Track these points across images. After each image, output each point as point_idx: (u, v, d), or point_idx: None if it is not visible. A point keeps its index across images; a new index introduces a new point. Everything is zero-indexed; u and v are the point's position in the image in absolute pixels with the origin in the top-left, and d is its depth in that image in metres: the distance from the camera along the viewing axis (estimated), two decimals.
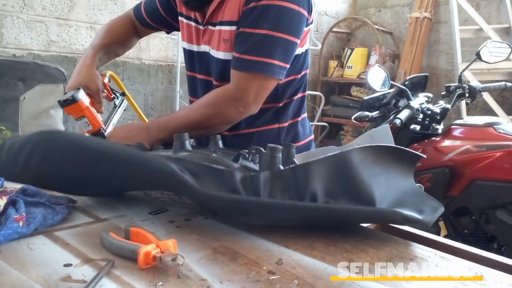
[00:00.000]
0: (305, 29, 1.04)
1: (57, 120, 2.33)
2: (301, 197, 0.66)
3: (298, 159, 0.76)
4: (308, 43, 1.12)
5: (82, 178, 0.73)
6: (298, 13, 0.99)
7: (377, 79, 1.97)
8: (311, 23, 1.07)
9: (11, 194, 0.66)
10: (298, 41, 1.02)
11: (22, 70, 2.21)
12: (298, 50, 1.06)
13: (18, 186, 0.76)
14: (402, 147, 0.71)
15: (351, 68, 4.20)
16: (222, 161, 0.73)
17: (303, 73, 1.12)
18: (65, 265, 0.55)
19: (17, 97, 2.19)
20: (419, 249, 0.66)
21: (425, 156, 0.71)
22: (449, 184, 1.81)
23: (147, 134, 1.01)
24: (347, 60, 4.23)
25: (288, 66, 1.01)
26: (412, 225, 0.68)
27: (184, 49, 1.19)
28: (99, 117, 1.13)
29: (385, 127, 0.79)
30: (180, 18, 1.18)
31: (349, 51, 4.27)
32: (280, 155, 0.70)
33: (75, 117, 1.09)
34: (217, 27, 1.05)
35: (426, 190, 0.74)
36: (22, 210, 0.63)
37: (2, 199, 0.64)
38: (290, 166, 0.68)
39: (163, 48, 3.31)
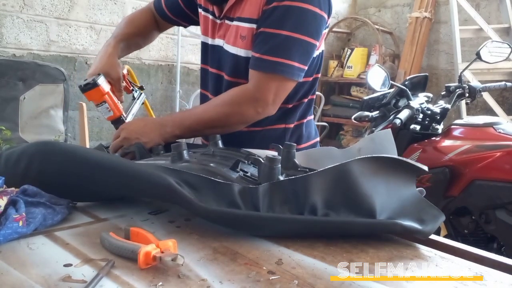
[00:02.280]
0: (323, 31, 1.04)
1: (57, 120, 2.33)
2: (301, 208, 0.66)
3: (298, 158, 0.76)
4: (323, 45, 1.12)
5: (80, 188, 0.74)
6: (320, 16, 0.98)
7: (377, 79, 1.97)
8: (328, 25, 1.06)
9: (12, 194, 0.66)
10: (317, 44, 1.02)
11: (22, 70, 2.21)
12: (315, 52, 1.05)
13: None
14: (405, 159, 0.69)
15: (351, 68, 4.20)
16: (221, 172, 0.73)
17: (314, 76, 1.12)
18: (65, 265, 0.55)
19: (17, 97, 2.19)
20: (419, 249, 0.66)
21: (426, 169, 0.71)
22: (449, 184, 1.81)
23: (162, 129, 1.00)
24: (347, 60, 4.24)
25: (306, 68, 1.01)
26: (413, 235, 0.68)
27: (201, 41, 1.18)
28: (120, 104, 1.13)
29: (387, 131, 0.78)
30: (199, 9, 1.17)
31: (349, 51, 4.27)
32: (279, 166, 0.69)
33: (96, 102, 1.09)
34: (235, 23, 1.04)
35: (426, 190, 0.74)
36: (22, 210, 0.63)
37: (3, 199, 0.64)
38: (289, 178, 0.67)
39: (163, 48, 3.31)
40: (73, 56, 2.87)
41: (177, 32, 3.31)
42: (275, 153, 0.80)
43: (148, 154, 0.95)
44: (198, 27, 1.21)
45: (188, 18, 1.24)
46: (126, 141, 1.00)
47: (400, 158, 0.69)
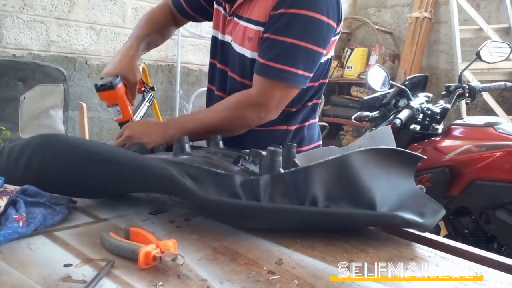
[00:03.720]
0: (332, 38, 1.03)
1: (57, 120, 2.33)
2: (302, 200, 0.66)
3: (299, 159, 0.76)
4: (333, 51, 1.11)
5: (82, 180, 0.74)
6: (327, 24, 0.97)
7: (377, 79, 1.97)
8: (339, 33, 1.06)
9: (12, 194, 0.66)
10: (324, 52, 1.01)
11: (22, 70, 2.21)
12: (322, 59, 1.05)
13: (18, 186, 0.75)
14: (402, 149, 0.70)
15: (351, 68, 4.20)
16: (222, 164, 0.73)
17: (321, 81, 1.11)
18: (65, 265, 0.55)
19: (17, 97, 2.19)
20: (419, 249, 0.66)
21: (425, 157, 0.71)
22: (449, 184, 1.81)
23: (164, 131, 1.01)
24: (347, 60, 4.24)
25: (311, 75, 1.01)
26: (413, 229, 0.68)
27: (211, 36, 1.18)
28: (130, 108, 1.13)
29: (387, 128, 0.78)
30: (214, 3, 1.17)
31: (349, 51, 4.27)
32: (280, 158, 0.69)
33: (108, 103, 1.10)
34: (243, 22, 1.04)
35: (426, 190, 0.74)
36: (22, 210, 0.63)
37: (3, 199, 0.64)
38: (290, 169, 0.67)
39: (163, 48, 3.30)
40: (73, 57, 2.87)
41: (177, 32, 3.30)
42: (276, 148, 0.80)
43: (150, 154, 0.95)
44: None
45: (205, 13, 1.23)
46: (129, 140, 1.00)
47: (398, 148, 0.70)
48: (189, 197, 0.66)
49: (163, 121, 1.11)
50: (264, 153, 0.72)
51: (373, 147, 0.68)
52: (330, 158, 0.67)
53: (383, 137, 0.78)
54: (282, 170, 0.69)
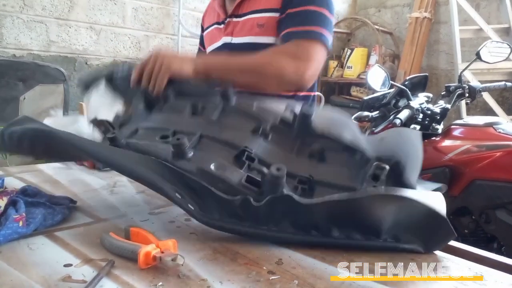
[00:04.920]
0: None
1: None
2: (304, 223, 0.65)
3: (318, 119, 0.73)
4: None
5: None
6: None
7: (377, 79, 1.97)
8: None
9: (12, 195, 0.66)
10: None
11: (22, 70, 2.21)
12: None
13: (18, 186, 0.76)
14: (443, 215, 0.65)
15: (351, 68, 4.20)
16: (222, 175, 0.68)
17: None
18: (65, 265, 0.55)
19: (17, 97, 2.20)
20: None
21: (455, 234, 0.66)
22: (449, 184, 1.81)
23: (193, 59, 0.96)
24: (347, 60, 4.24)
25: (331, 41, 1.08)
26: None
27: (208, 53, 1.26)
28: None
29: (418, 132, 0.72)
30: (204, 33, 1.27)
31: (349, 51, 4.27)
32: (284, 179, 0.64)
33: None
34: (248, 16, 1.12)
35: None
36: (22, 210, 0.63)
37: (3, 199, 0.64)
38: (292, 194, 0.64)
39: (163, 48, 3.31)
40: (73, 57, 2.87)
41: (177, 32, 3.31)
42: (281, 166, 0.73)
43: (157, 100, 0.90)
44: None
45: None
46: (156, 58, 0.94)
47: (436, 210, 0.65)
48: (189, 214, 0.66)
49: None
50: (276, 114, 0.71)
51: (396, 194, 0.62)
52: (337, 196, 0.62)
53: (410, 138, 0.73)
54: (285, 191, 0.64)
